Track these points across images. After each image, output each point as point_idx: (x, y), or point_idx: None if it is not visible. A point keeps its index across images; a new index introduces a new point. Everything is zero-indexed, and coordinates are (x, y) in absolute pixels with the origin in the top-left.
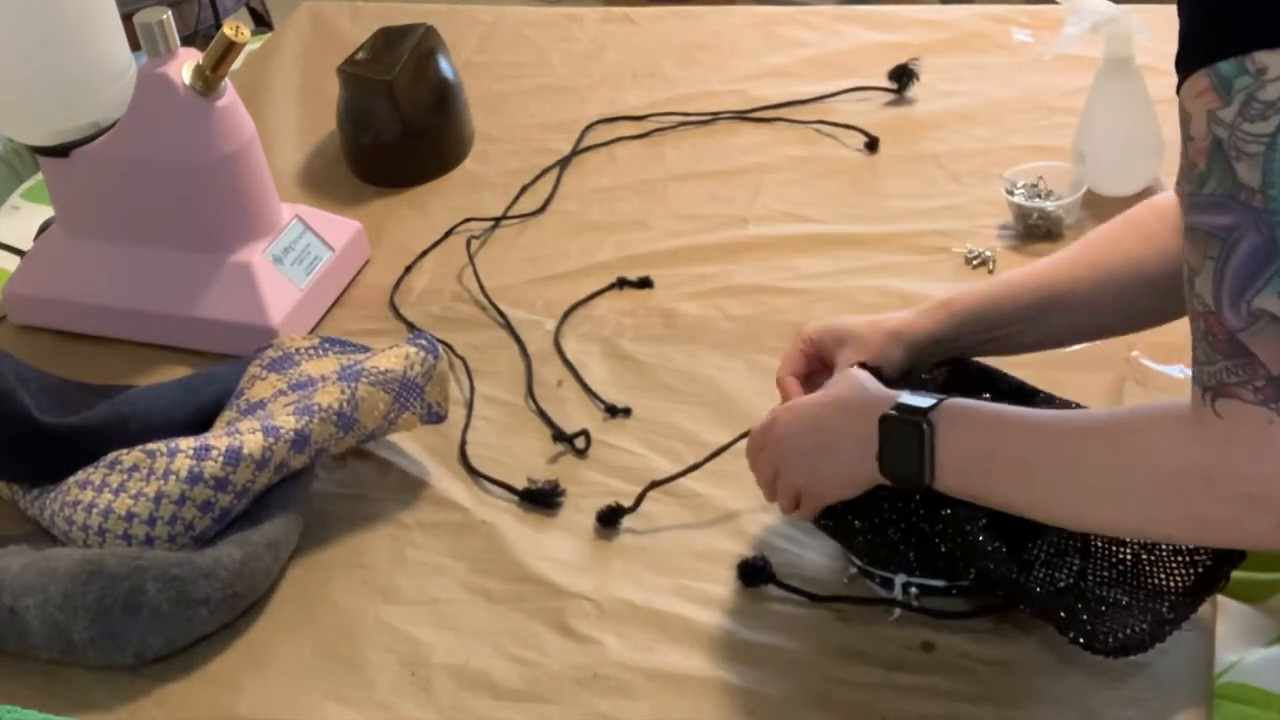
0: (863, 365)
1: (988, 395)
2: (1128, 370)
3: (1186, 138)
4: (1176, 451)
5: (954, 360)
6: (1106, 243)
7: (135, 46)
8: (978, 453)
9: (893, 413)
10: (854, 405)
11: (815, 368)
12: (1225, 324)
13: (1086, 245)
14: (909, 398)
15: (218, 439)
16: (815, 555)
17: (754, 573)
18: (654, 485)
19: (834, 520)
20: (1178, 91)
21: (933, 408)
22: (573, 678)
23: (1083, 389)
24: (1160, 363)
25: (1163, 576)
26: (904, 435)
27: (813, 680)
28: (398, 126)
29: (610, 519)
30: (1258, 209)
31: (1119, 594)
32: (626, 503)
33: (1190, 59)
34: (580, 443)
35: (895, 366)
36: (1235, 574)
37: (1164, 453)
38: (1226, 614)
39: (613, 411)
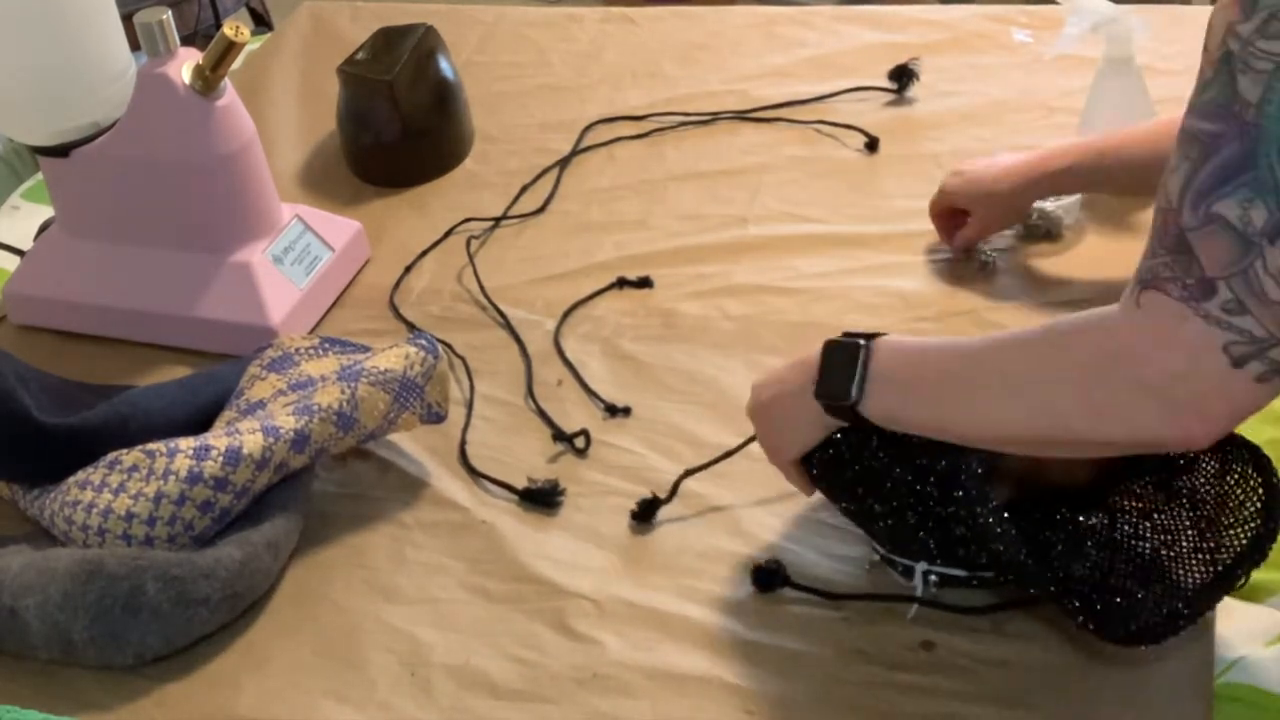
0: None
1: None
2: None
3: (1204, 49)
4: (1089, 342)
5: None
6: None
7: (135, 46)
8: (905, 372)
9: (836, 339)
10: (809, 354)
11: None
12: (1180, 221)
13: None
14: (858, 332)
15: (218, 439)
16: (815, 554)
17: (768, 577)
18: (689, 473)
19: (855, 505)
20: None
21: (874, 336)
22: (572, 677)
23: None
24: None
25: (1181, 573)
26: (840, 356)
27: (813, 679)
28: (398, 126)
29: (647, 513)
30: (1248, 123)
31: (1135, 586)
32: (629, 503)
33: None
34: (580, 442)
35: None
36: None
37: (1078, 345)
38: (1227, 614)
39: (613, 411)
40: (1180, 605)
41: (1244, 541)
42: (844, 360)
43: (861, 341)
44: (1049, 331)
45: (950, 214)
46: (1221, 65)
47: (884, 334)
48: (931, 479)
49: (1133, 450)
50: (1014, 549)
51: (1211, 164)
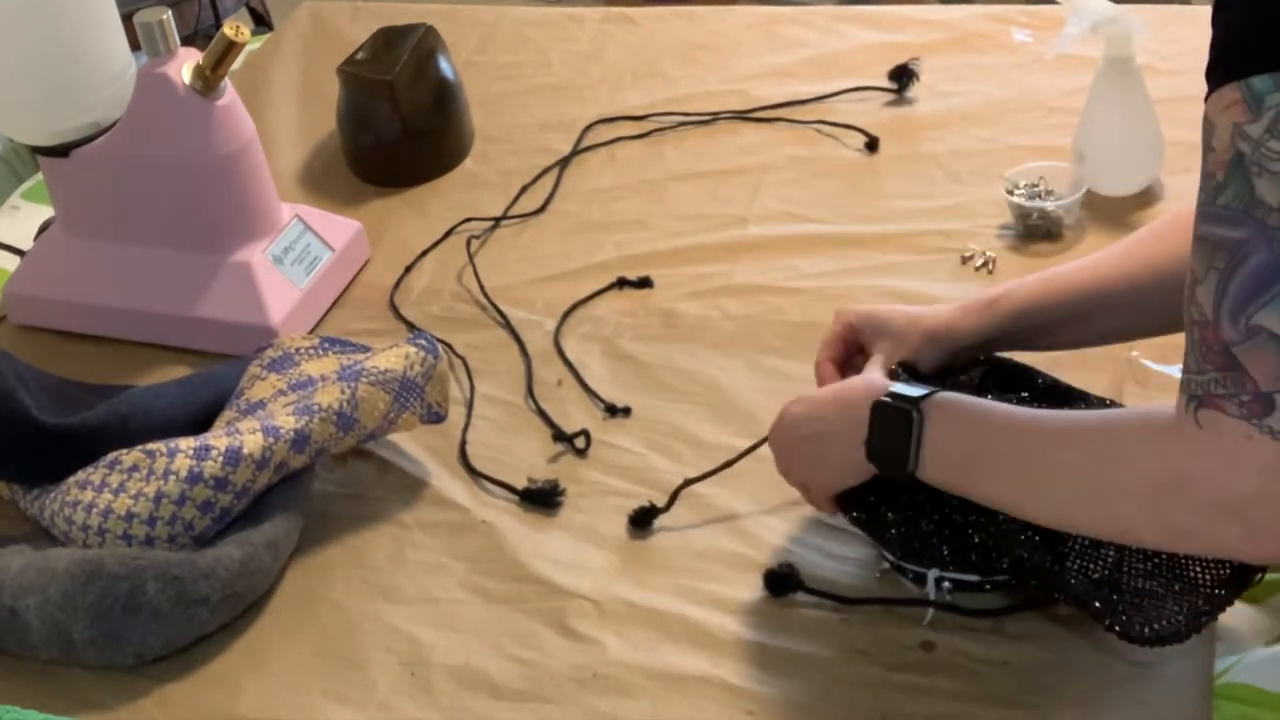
0: (902, 364)
1: (1025, 395)
2: (1128, 370)
3: (1208, 148)
4: (1153, 458)
5: (991, 359)
6: (1156, 239)
7: (135, 46)
8: (963, 446)
9: (885, 399)
10: (851, 393)
11: (853, 352)
12: (1221, 336)
13: (1136, 244)
14: (903, 387)
15: (218, 439)
16: (819, 556)
17: (781, 581)
18: (688, 483)
19: (866, 513)
20: (1205, 101)
21: (924, 397)
22: (573, 677)
23: (1082, 389)
24: (1160, 363)
25: (1198, 570)
26: (893, 422)
27: (813, 680)
28: (398, 126)
29: (643, 520)
30: (1272, 226)
31: (1155, 585)
32: (629, 503)
33: (1222, 71)
34: (580, 442)
35: (930, 365)
36: None
37: (1141, 458)
38: (1227, 613)
39: (613, 411)
40: (1200, 602)
41: None
42: (897, 427)
43: (913, 410)
44: (1112, 434)
45: (847, 354)
46: (1234, 168)
47: (933, 391)
48: None
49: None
50: (1039, 556)
51: (1242, 273)
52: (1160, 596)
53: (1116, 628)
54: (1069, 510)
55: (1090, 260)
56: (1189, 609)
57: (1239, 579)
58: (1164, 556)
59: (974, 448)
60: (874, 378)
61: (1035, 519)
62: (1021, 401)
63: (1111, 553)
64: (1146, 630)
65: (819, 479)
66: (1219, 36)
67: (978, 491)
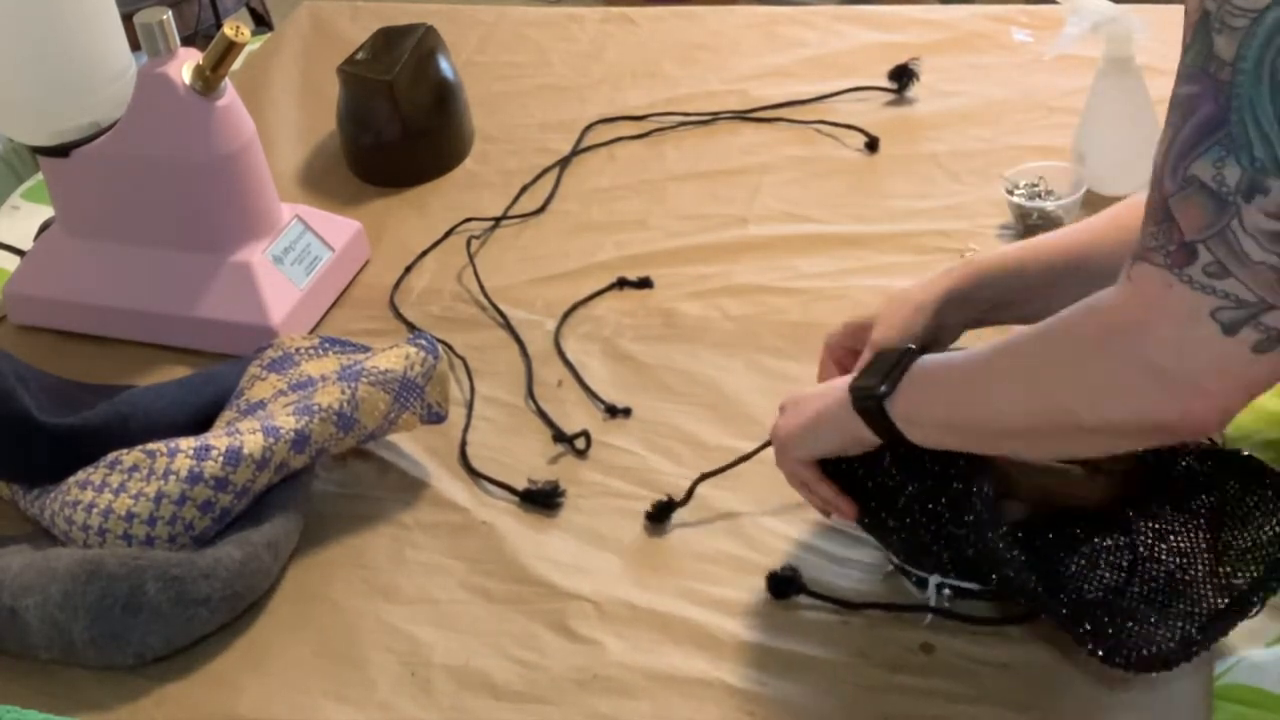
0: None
1: None
2: None
3: (1185, 17)
4: (1084, 320)
5: None
6: (1137, 209)
7: (135, 46)
8: (929, 376)
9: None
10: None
11: (850, 364)
12: (1163, 190)
13: (1115, 212)
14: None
15: (218, 439)
16: (820, 559)
17: (784, 585)
18: (704, 477)
19: (870, 519)
20: None
21: (926, 349)
22: (573, 679)
23: None
24: None
25: (1196, 597)
26: (889, 356)
27: (813, 681)
28: (398, 126)
29: (661, 515)
30: (1223, 81)
31: (1149, 610)
32: (629, 504)
33: None
34: (580, 443)
35: (920, 336)
36: None
37: (1073, 324)
38: None
39: (613, 412)
40: (1194, 631)
41: (1260, 569)
42: (889, 359)
43: (911, 350)
44: (1050, 320)
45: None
46: (1200, 27)
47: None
48: (943, 500)
49: (1142, 440)
50: (1024, 575)
51: (1188, 127)
52: (1153, 623)
53: (1100, 652)
54: (1006, 403)
55: (1073, 228)
56: (1181, 637)
57: (1237, 609)
58: (1162, 582)
59: (940, 373)
60: None
61: (979, 430)
62: None
63: (1108, 575)
64: (1133, 655)
65: (798, 434)
66: None
67: (933, 416)
